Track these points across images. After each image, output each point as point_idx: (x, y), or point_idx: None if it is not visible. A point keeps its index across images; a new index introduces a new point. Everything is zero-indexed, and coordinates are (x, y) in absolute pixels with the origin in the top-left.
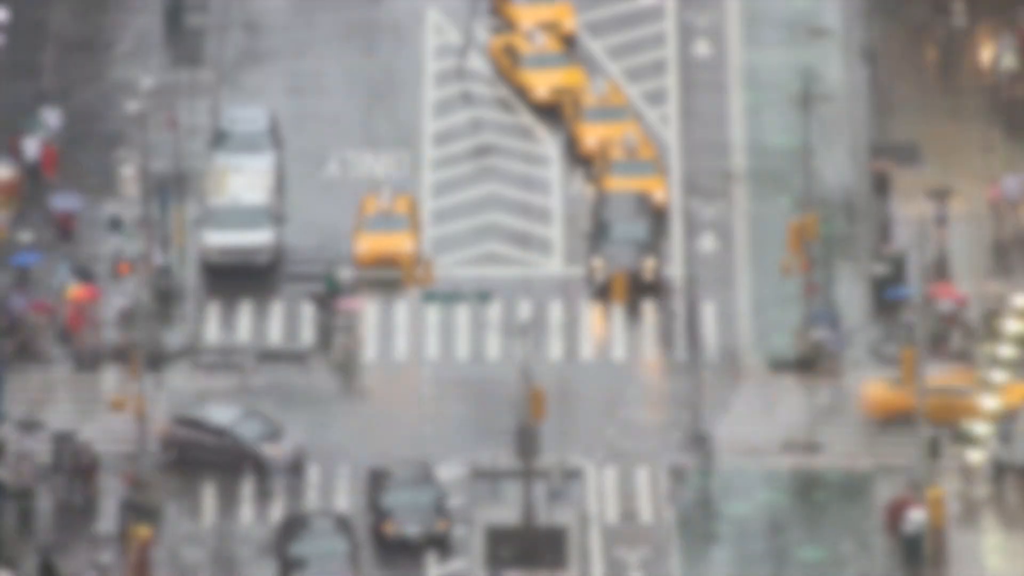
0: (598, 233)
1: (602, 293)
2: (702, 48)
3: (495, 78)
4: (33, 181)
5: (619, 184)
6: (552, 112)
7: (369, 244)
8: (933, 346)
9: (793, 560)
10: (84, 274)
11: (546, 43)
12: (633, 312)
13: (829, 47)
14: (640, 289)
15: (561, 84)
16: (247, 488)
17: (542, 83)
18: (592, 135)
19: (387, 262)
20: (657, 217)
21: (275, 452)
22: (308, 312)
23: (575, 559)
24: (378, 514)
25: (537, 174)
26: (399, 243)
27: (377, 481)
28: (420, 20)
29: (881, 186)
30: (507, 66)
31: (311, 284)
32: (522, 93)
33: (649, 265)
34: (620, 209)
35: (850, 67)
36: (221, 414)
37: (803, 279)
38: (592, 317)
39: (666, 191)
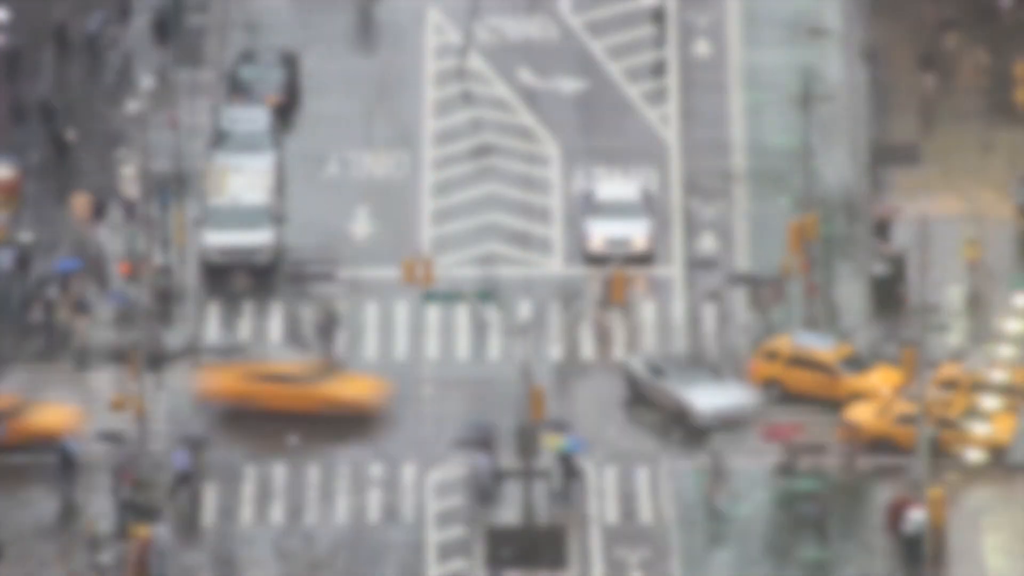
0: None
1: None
2: (702, 48)
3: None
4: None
5: None
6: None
7: None
8: None
9: (793, 560)
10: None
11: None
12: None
13: (829, 47)
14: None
15: None
16: (247, 489)
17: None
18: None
19: None
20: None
21: None
22: (308, 312)
23: (575, 559)
24: None
25: (537, 174)
26: None
27: None
28: (420, 20)
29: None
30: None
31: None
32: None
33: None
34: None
35: (850, 67)
36: None
37: (803, 279)
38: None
39: None
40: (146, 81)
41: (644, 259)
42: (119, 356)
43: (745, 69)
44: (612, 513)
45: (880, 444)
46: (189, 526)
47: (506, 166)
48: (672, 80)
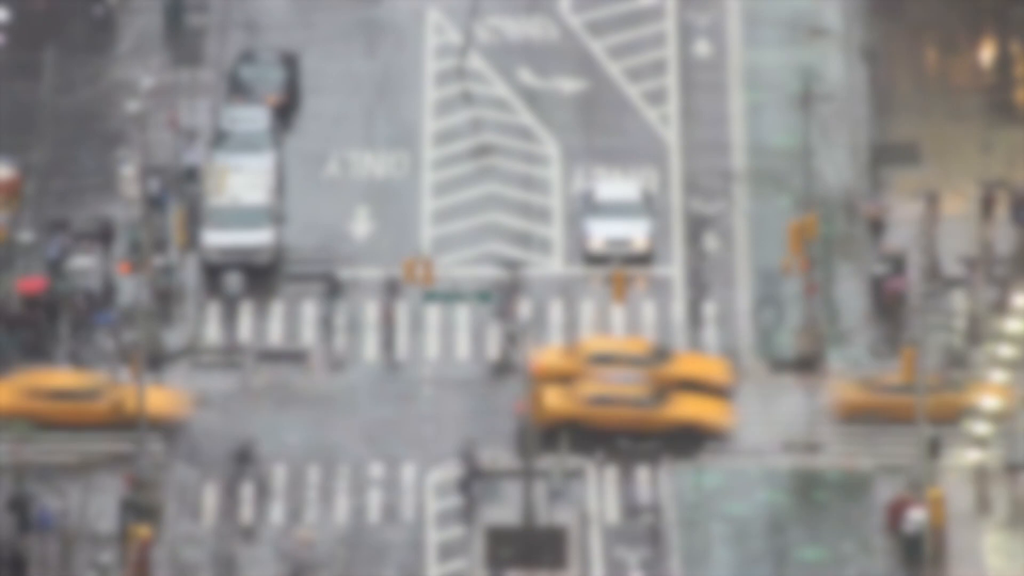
0: None
1: None
2: (702, 48)
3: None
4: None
5: None
6: None
7: None
8: None
9: (793, 560)
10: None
11: None
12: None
13: (829, 47)
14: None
15: None
16: (247, 489)
17: None
18: None
19: None
20: None
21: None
22: (308, 312)
23: (575, 559)
24: None
25: (537, 174)
26: None
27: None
28: (420, 20)
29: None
30: None
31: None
32: None
33: None
34: None
35: (850, 67)
36: None
37: (803, 279)
38: None
39: None
40: (146, 81)
41: (644, 259)
42: (119, 356)
43: (745, 69)
44: (612, 513)
45: None
46: None
47: (506, 166)
48: (672, 80)
